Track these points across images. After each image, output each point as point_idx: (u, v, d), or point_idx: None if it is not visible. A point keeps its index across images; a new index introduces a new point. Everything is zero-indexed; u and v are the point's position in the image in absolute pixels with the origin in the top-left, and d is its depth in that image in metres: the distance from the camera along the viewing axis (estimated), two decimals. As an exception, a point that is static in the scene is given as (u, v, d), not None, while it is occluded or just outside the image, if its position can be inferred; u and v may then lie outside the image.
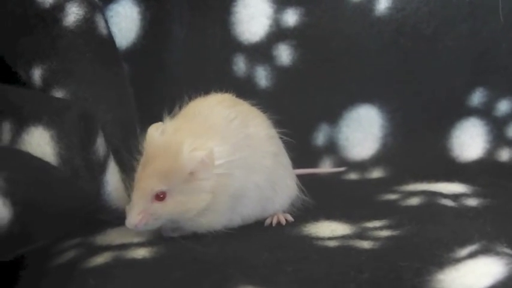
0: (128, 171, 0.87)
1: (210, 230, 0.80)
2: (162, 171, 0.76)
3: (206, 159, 0.75)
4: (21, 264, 0.73)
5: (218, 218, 0.80)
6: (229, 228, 0.81)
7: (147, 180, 0.76)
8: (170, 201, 0.76)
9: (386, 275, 0.65)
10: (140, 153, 0.80)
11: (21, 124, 0.77)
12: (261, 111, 0.88)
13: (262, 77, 1.17)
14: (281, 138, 0.89)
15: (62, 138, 0.77)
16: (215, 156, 0.76)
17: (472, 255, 0.66)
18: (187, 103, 0.85)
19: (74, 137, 0.78)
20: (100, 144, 0.83)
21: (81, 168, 0.78)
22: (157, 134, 0.78)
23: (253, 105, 0.88)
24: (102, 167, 0.83)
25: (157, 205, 0.76)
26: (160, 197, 0.76)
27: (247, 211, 0.83)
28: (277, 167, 0.85)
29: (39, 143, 0.76)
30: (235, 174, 0.79)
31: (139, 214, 0.75)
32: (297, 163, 0.95)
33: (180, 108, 0.84)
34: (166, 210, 0.76)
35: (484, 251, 0.66)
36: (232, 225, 0.82)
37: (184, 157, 0.76)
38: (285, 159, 0.89)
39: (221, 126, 0.81)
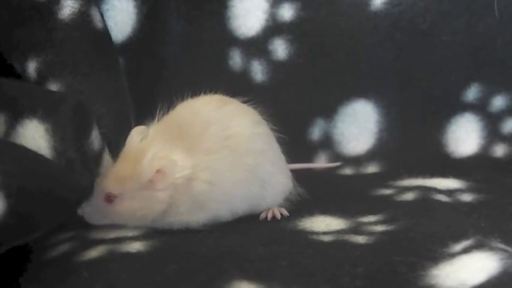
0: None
1: (188, 226, 0.81)
2: (119, 175, 0.78)
3: (166, 170, 0.76)
4: (21, 257, 0.73)
5: (188, 217, 0.80)
6: (223, 222, 0.82)
7: (104, 179, 0.79)
8: (118, 206, 0.78)
9: (381, 269, 0.65)
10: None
11: (16, 117, 0.77)
12: (255, 106, 0.88)
13: (258, 71, 1.17)
14: (276, 133, 0.89)
15: (56, 131, 0.76)
16: (177, 169, 0.77)
17: (466, 250, 0.66)
18: (175, 105, 0.85)
19: (69, 129, 0.78)
20: (95, 137, 0.82)
21: (76, 161, 0.77)
22: (137, 138, 0.80)
23: (248, 100, 0.88)
24: (97, 160, 0.83)
25: (106, 206, 0.78)
26: (110, 198, 0.78)
27: (234, 207, 0.83)
28: (265, 163, 0.85)
29: (34, 136, 0.76)
30: (200, 178, 0.79)
31: (90, 211, 0.79)
32: (292, 158, 0.95)
33: (168, 110, 0.84)
34: (112, 213, 0.79)
35: (479, 246, 0.66)
36: (220, 220, 0.82)
37: (144, 165, 0.77)
38: (275, 155, 0.89)
39: (199, 133, 0.81)
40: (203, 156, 0.80)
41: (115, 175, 0.78)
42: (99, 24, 0.96)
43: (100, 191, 0.78)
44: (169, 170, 0.77)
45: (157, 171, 0.76)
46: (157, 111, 0.83)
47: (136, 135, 0.81)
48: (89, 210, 0.79)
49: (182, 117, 0.83)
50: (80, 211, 0.78)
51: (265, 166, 0.85)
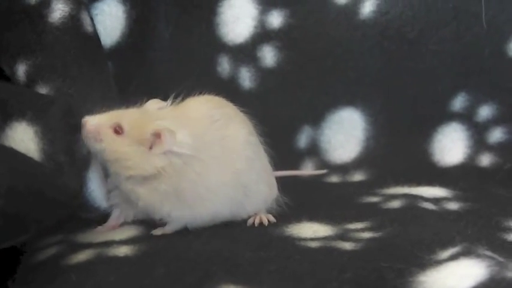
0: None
1: (171, 222, 0.83)
2: (133, 118, 0.81)
3: (163, 136, 0.78)
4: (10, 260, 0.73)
5: (172, 212, 0.81)
6: (210, 227, 0.82)
7: (121, 113, 0.82)
8: (119, 142, 0.80)
9: (369, 275, 0.65)
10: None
11: (5, 119, 0.77)
12: (245, 113, 0.89)
13: (246, 78, 1.17)
14: (263, 140, 0.90)
15: (45, 134, 0.77)
16: (174, 141, 0.79)
17: (453, 257, 0.67)
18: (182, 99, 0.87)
19: (58, 132, 0.78)
20: (83, 142, 0.82)
21: (65, 164, 0.78)
22: (154, 106, 0.85)
23: (236, 106, 0.89)
24: (85, 164, 0.83)
25: (110, 133, 0.80)
26: (117, 130, 0.80)
27: (215, 208, 0.83)
28: (251, 171, 0.86)
29: (23, 138, 0.76)
30: (193, 167, 0.80)
31: (95, 124, 0.80)
32: (279, 165, 0.95)
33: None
34: (112, 144, 0.79)
35: (466, 253, 0.67)
36: (198, 222, 0.83)
37: (153, 124, 0.79)
38: (262, 165, 0.89)
39: (202, 124, 0.83)
40: (201, 149, 0.81)
41: (127, 116, 0.81)
42: (89, 28, 0.95)
43: (111, 119, 0.80)
44: (167, 138, 0.78)
45: (156, 134, 0.78)
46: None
47: (153, 104, 0.85)
48: (92, 130, 0.79)
49: (188, 108, 0.86)
50: (83, 121, 0.79)
51: (250, 174, 0.86)
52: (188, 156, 0.79)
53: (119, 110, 0.83)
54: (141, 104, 0.85)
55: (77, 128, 0.81)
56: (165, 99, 0.86)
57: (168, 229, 0.83)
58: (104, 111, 0.82)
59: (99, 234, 0.81)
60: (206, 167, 0.81)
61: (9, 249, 0.71)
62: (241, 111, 0.89)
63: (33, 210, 0.64)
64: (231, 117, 0.86)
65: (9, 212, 0.60)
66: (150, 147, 0.79)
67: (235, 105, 0.89)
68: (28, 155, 0.74)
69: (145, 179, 0.80)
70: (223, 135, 0.83)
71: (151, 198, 0.81)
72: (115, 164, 0.80)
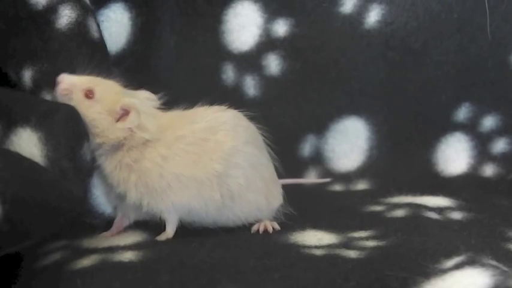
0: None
1: (168, 222, 0.85)
2: (106, 89, 0.85)
3: (133, 113, 0.83)
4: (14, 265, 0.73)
5: (154, 201, 0.84)
6: (214, 234, 0.82)
7: (97, 80, 0.86)
8: (87, 106, 0.83)
9: (373, 284, 0.65)
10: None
11: (10, 125, 0.77)
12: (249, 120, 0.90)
13: (251, 86, 1.17)
14: (267, 148, 0.90)
15: (49, 140, 0.77)
16: (137, 121, 0.83)
17: (458, 266, 0.67)
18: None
19: (62, 139, 0.78)
20: (87, 148, 0.83)
21: (69, 171, 0.77)
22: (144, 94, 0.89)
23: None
24: (89, 171, 0.83)
25: (81, 96, 0.84)
26: (87, 94, 0.84)
27: (186, 201, 0.84)
28: (237, 177, 0.86)
29: (27, 144, 0.76)
30: (156, 151, 0.84)
31: (68, 83, 0.84)
32: (283, 173, 0.95)
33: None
34: (80, 107, 0.83)
35: (470, 262, 0.67)
36: (178, 213, 0.85)
37: (126, 100, 0.84)
38: (257, 175, 0.89)
39: (183, 121, 0.87)
40: (174, 139, 0.84)
41: (104, 86, 0.85)
42: (96, 35, 0.96)
43: (85, 83, 0.84)
44: (132, 116, 0.83)
45: (125, 110, 0.83)
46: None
47: (144, 94, 0.89)
48: (64, 87, 0.83)
49: (185, 112, 0.89)
50: (58, 78, 0.84)
51: (237, 180, 0.85)
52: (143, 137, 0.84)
53: (99, 78, 0.87)
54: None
55: (81, 135, 0.81)
56: (169, 107, 0.86)
57: (168, 232, 0.83)
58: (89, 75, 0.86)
59: (104, 239, 0.82)
60: (175, 156, 0.83)
61: (13, 255, 0.71)
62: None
63: (38, 216, 0.64)
64: (236, 124, 0.87)
65: (14, 218, 0.60)
66: (117, 120, 0.83)
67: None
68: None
69: (112, 150, 0.84)
70: (208, 138, 0.85)
71: (119, 175, 0.84)
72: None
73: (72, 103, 0.82)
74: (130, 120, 0.82)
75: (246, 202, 0.87)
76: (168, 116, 0.87)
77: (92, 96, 0.83)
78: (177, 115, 0.88)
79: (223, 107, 0.89)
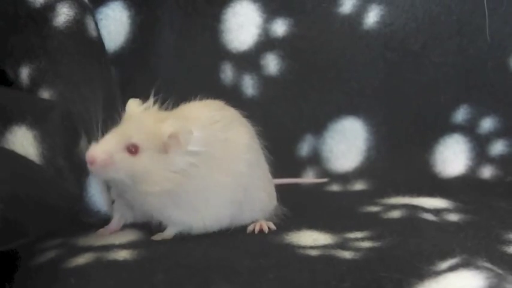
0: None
1: (181, 227, 0.82)
2: (140, 129, 0.77)
3: (182, 136, 0.76)
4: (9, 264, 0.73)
5: (182, 215, 0.80)
6: (210, 233, 0.82)
7: (126, 130, 0.77)
8: (140, 159, 0.76)
9: (368, 285, 0.65)
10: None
11: (5, 123, 0.77)
12: (247, 119, 0.89)
13: (249, 85, 1.17)
14: (265, 147, 0.90)
15: (45, 138, 0.77)
16: (191, 140, 0.77)
17: (452, 268, 0.66)
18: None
19: (58, 137, 0.78)
20: (84, 146, 0.82)
21: (65, 169, 0.78)
22: (138, 106, 0.81)
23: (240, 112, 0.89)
24: (85, 169, 0.83)
25: (126, 156, 0.76)
26: (132, 150, 0.76)
27: (217, 212, 0.83)
28: (252, 175, 0.86)
29: (23, 143, 0.76)
30: (201, 170, 0.79)
31: (105, 152, 0.75)
32: (280, 173, 0.96)
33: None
34: (131, 166, 0.76)
35: (465, 265, 0.67)
36: (200, 226, 0.82)
37: (164, 127, 0.77)
38: (263, 172, 0.89)
39: (203, 123, 0.82)
40: (207, 146, 0.80)
41: (135, 129, 0.77)
42: (94, 33, 0.96)
43: (121, 140, 0.76)
44: (184, 137, 0.76)
45: (173, 136, 0.76)
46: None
47: (134, 104, 0.82)
48: (104, 158, 0.75)
49: (184, 109, 0.85)
50: (89, 156, 0.74)
51: (251, 178, 0.86)
52: (201, 155, 0.78)
53: (116, 128, 0.79)
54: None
55: (76, 133, 0.81)
56: (168, 106, 0.86)
57: (167, 234, 0.82)
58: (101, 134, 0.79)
59: (99, 238, 0.81)
60: (210, 168, 0.80)
61: (8, 253, 0.71)
62: (243, 116, 0.89)
63: (33, 215, 0.64)
64: (232, 119, 0.86)
65: (9, 217, 0.60)
66: (167, 151, 0.77)
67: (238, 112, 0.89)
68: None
69: None
70: (225, 137, 0.83)
71: (160, 204, 0.79)
72: (134, 186, 0.77)
73: (120, 171, 0.76)
74: (185, 141, 0.77)
75: (255, 201, 0.87)
76: (172, 118, 0.81)
77: (135, 149, 0.76)
78: (178, 116, 0.83)
79: (213, 102, 0.88)
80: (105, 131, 0.90)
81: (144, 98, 0.84)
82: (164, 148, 0.77)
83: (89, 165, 0.75)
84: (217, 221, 0.83)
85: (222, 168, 0.82)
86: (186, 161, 0.78)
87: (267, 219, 0.88)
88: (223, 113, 0.85)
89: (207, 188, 0.80)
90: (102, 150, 0.75)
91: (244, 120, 0.89)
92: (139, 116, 0.80)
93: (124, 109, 0.82)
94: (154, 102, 0.84)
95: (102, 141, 0.76)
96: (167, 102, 0.84)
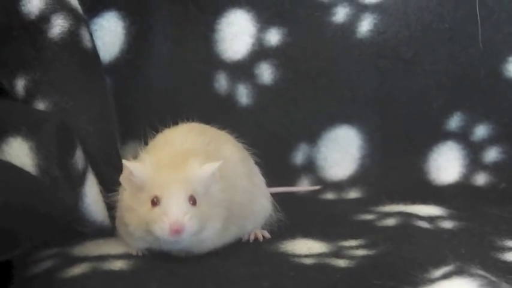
0: (106, 184, 0.88)
1: (211, 249, 0.79)
2: (183, 180, 0.75)
3: (216, 172, 0.76)
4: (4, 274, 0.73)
5: (216, 236, 0.79)
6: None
7: (176, 187, 0.74)
8: (200, 208, 0.74)
9: (361, 292, 0.65)
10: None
11: (0, 135, 0.77)
12: (239, 129, 0.90)
13: (243, 94, 1.17)
14: (258, 156, 0.90)
15: (40, 149, 0.77)
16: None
17: (446, 276, 0.67)
18: (152, 136, 0.85)
19: (53, 148, 0.78)
20: (79, 157, 0.83)
21: (60, 179, 0.78)
22: (140, 164, 0.78)
23: (232, 122, 0.89)
24: (81, 179, 0.84)
25: (194, 209, 0.74)
26: (192, 202, 0.74)
27: (235, 228, 0.83)
28: (252, 186, 0.86)
29: (18, 154, 0.76)
30: (225, 192, 0.79)
31: (186, 214, 0.72)
32: (274, 181, 0.96)
33: (145, 141, 0.85)
34: (200, 215, 0.74)
35: (458, 272, 0.67)
36: (224, 242, 0.81)
37: (198, 169, 0.76)
38: (259, 179, 0.90)
39: (200, 150, 0.82)
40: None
41: (182, 180, 0.75)
42: (88, 44, 0.96)
43: (182, 197, 0.74)
44: (218, 172, 0.77)
45: (214, 175, 0.76)
46: (145, 130, 0.83)
47: (136, 163, 0.78)
48: (180, 218, 0.72)
49: (171, 141, 0.84)
50: (175, 225, 0.71)
51: (254, 189, 0.86)
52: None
53: (173, 184, 0.75)
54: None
55: (71, 143, 0.81)
56: (162, 116, 0.86)
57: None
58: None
59: (95, 247, 0.81)
60: (227, 190, 0.80)
61: (3, 264, 0.71)
62: (237, 127, 0.90)
63: (27, 225, 0.65)
64: (219, 137, 0.87)
65: (3, 227, 0.60)
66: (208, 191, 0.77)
67: (232, 121, 0.90)
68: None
69: None
70: (223, 156, 0.82)
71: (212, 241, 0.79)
72: (198, 234, 0.76)
73: (195, 226, 0.73)
74: (217, 176, 0.77)
75: (257, 209, 0.88)
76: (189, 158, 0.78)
77: (194, 201, 0.74)
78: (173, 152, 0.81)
79: (192, 125, 0.88)
80: (100, 140, 0.91)
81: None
82: (206, 189, 0.76)
83: (174, 236, 0.72)
84: (228, 239, 0.83)
85: (234, 186, 0.82)
86: (218, 190, 0.78)
87: (262, 228, 0.89)
88: (208, 133, 0.86)
89: (232, 206, 0.80)
90: (181, 214, 0.72)
91: (226, 134, 0.89)
92: (163, 172, 0.76)
93: (118, 122, 0.81)
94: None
95: (170, 208, 0.73)
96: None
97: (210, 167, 0.76)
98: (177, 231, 0.71)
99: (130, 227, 0.77)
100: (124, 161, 0.78)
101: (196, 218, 0.73)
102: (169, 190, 0.74)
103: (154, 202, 0.74)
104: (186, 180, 0.75)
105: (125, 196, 0.79)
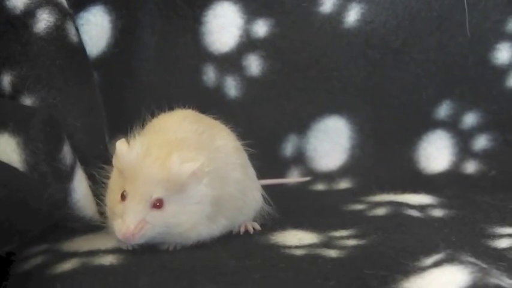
0: (95, 179, 0.87)
1: (196, 241, 0.79)
2: (156, 180, 0.74)
3: (199, 171, 0.75)
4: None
5: (202, 229, 0.78)
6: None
7: (143, 187, 0.74)
8: (167, 210, 0.74)
9: (353, 282, 0.65)
10: (109, 166, 0.81)
11: (-13, 131, 0.77)
12: (228, 121, 0.89)
13: (232, 87, 1.17)
14: (249, 148, 0.90)
15: (28, 144, 0.77)
16: (205, 170, 0.76)
17: (437, 264, 0.67)
18: (150, 119, 0.85)
19: (40, 143, 0.78)
20: (67, 152, 0.82)
21: (48, 174, 0.78)
22: (128, 149, 0.76)
23: (221, 115, 0.89)
24: (69, 175, 0.83)
25: (156, 213, 0.74)
26: (157, 205, 0.74)
27: (224, 221, 0.82)
28: (245, 178, 0.86)
29: (5, 150, 0.76)
30: (213, 185, 0.78)
31: (137, 223, 0.73)
32: (265, 173, 0.96)
33: (143, 124, 0.84)
34: (163, 219, 0.74)
35: (449, 260, 0.67)
36: (212, 234, 0.80)
37: (177, 168, 0.74)
38: (251, 171, 0.90)
39: (192, 140, 0.81)
40: (208, 161, 0.77)
41: (150, 182, 0.74)
42: (74, 39, 0.95)
43: (144, 202, 0.73)
44: (201, 170, 0.75)
45: (192, 175, 0.74)
46: (133, 125, 0.83)
47: (122, 144, 0.77)
48: (138, 228, 0.72)
49: (165, 128, 0.82)
50: (124, 235, 0.72)
51: (246, 180, 0.86)
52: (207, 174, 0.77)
53: (131, 188, 0.74)
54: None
55: (59, 138, 0.81)
56: (151, 110, 0.85)
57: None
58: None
59: (85, 243, 0.81)
60: (219, 181, 0.80)
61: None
62: (226, 119, 0.89)
63: (17, 220, 0.64)
64: (212, 126, 0.86)
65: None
66: (186, 189, 0.76)
67: (221, 114, 0.89)
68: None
69: None
70: (216, 147, 0.82)
71: (195, 232, 0.78)
72: (170, 231, 0.76)
73: (156, 228, 0.74)
74: (200, 175, 0.75)
75: (251, 201, 0.88)
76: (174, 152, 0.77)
77: (160, 203, 0.74)
78: (165, 140, 0.80)
79: (187, 112, 0.87)
80: (89, 135, 0.90)
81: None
82: (183, 188, 0.75)
83: (126, 240, 0.73)
84: (220, 231, 0.82)
85: (226, 177, 0.81)
86: (202, 188, 0.77)
87: (252, 220, 0.88)
88: (203, 122, 0.85)
89: (218, 200, 0.79)
90: (134, 222, 0.72)
91: (220, 124, 0.89)
92: (141, 165, 0.75)
93: (106, 116, 0.81)
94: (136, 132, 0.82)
95: (127, 212, 0.73)
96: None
97: (190, 166, 0.74)
98: (127, 238, 0.72)
99: (106, 207, 0.78)
100: (119, 141, 0.77)
101: (152, 225, 0.73)
102: (135, 190, 0.73)
103: (123, 196, 0.74)
104: (159, 182, 0.74)
105: (112, 175, 0.80)
